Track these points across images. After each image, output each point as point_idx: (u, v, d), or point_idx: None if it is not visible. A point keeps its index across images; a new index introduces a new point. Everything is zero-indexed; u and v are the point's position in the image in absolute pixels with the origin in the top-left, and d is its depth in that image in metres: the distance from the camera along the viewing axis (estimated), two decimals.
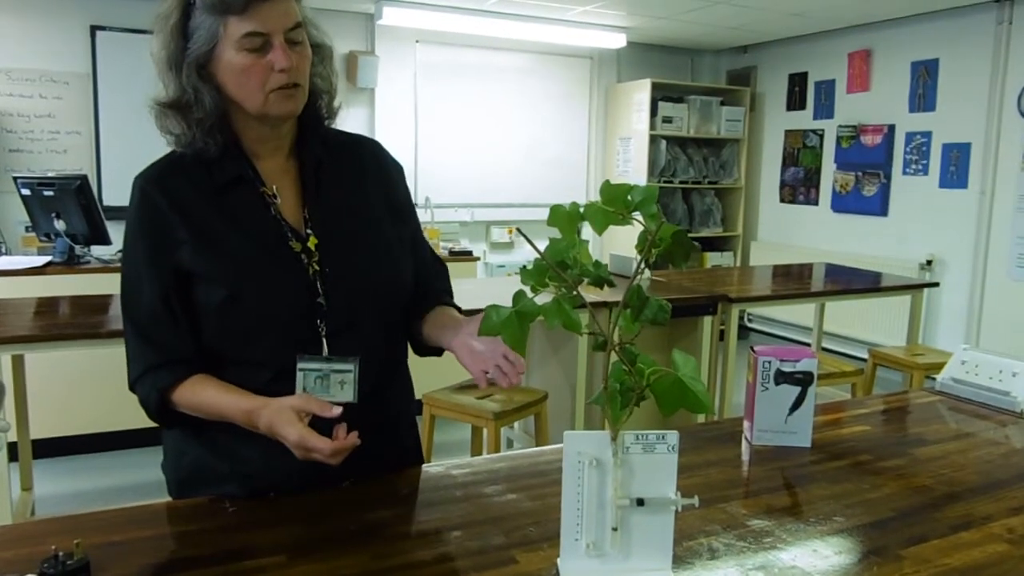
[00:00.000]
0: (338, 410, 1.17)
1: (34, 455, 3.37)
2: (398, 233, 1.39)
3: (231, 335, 1.25)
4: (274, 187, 1.30)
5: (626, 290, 0.97)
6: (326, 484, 1.26)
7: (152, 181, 1.26)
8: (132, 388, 1.28)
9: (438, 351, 1.42)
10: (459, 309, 1.45)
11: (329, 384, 1.24)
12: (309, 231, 1.29)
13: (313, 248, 1.28)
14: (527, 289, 0.97)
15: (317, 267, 1.27)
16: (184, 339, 1.25)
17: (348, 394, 1.25)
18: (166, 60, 1.22)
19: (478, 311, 1.05)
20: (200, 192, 1.26)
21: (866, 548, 1.13)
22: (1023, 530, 1.19)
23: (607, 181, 0.97)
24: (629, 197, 0.95)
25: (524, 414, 2.98)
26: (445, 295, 1.46)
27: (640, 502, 1.00)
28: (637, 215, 0.95)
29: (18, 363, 3.15)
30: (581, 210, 0.97)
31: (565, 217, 0.97)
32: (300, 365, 1.23)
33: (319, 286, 1.27)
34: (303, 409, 1.15)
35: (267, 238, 1.27)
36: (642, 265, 0.96)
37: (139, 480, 3.58)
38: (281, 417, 1.15)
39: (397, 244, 1.38)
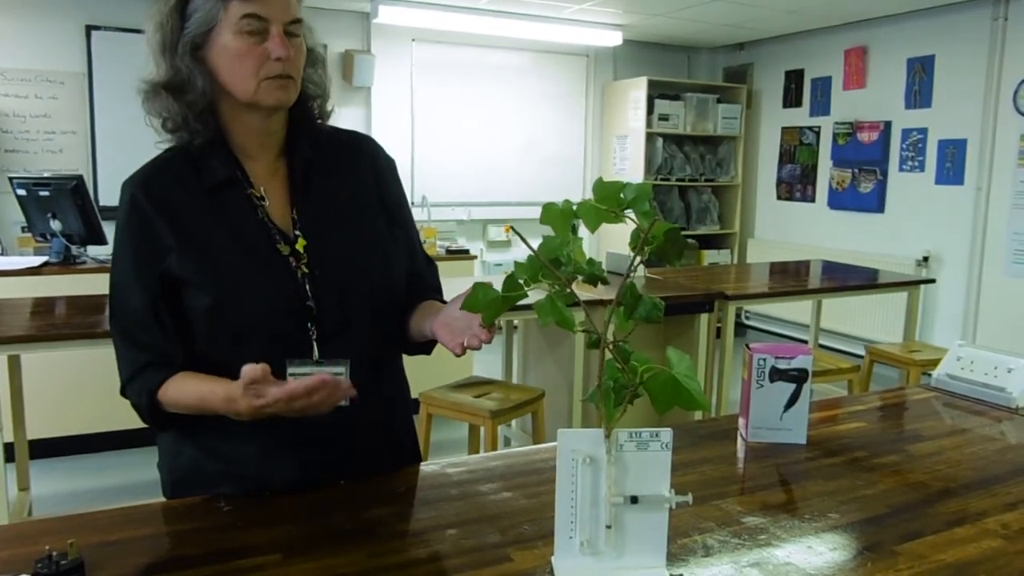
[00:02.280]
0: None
1: (31, 455, 3.36)
2: (391, 232, 1.38)
3: (220, 340, 1.24)
4: (262, 189, 1.30)
5: (619, 288, 0.97)
6: (321, 485, 1.26)
7: (140, 185, 1.25)
8: (123, 393, 1.27)
9: (426, 349, 1.41)
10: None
11: None
12: (297, 233, 1.29)
13: (302, 250, 1.28)
14: (520, 282, 0.97)
15: (306, 269, 1.27)
16: (173, 343, 1.25)
17: None
18: (160, 41, 1.22)
19: None
20: (189, 195, 1.26)
21: (861, 544, 1.13)
22: (1017, 525, 1.19)
23: (600, 179, 0.97)
24: (622, 195, 0.95)
25: (521, 412, 2.98)
26: (433, 292, 1.45)
27: (634, 500, 1.00)
28: (630, 213, 0.95)
29: (14, 363, 3.15)
30: (574, 208, 0.97)
31: (558, 215, 0.97)
32: (290, 370, 1.22)
33: (308, 289, 1.26)
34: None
35: (255, 241, 1.26)
36: (635, 263, 0.96)
37: (136, 480, 3.58)
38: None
39: (390, 244, 1.37)
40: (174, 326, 1.25)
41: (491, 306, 1.00)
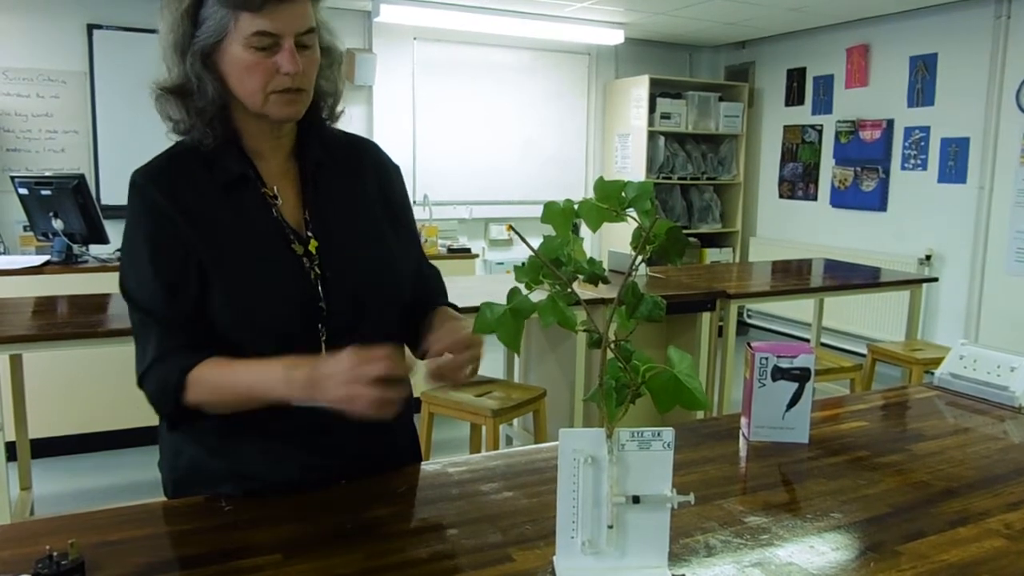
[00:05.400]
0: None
1: (32, 455, 3.37)
2: (396, 235, 1.38)
3: (231, 339, 1.23)
4: (275, 188, 1.29)
5: (621, 287, 0.97)
6: (322, 484, 1.25)
7: (152, 177, 1.24)
8: (143, 377, 1.22)
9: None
10: (456, 308, 1.44)
11: None
12: (310, 234, 1.28)
13: (314, 251, 1.27)
14: (522, 287, 0.97)
15: (318, 270, 1.26)
16: (201, 326, 1.21)
17: None
18: (172, 44, 1.20)
19: (474, 309, 1.05)
20: (200, 191, 1.24)
21: (863, 544, 1.12)
22: (1020, 525, 1.19)
23: (601, 178, 0.97)
24: (623, 194, 0.94)
25: (522, 411, 2.98)
26: (441, 297, 1.45)
27: (636, 499, 1.00)
28: (631, 211, 0.95)
29: (16, 362, 3.16)
30: (575, 207, 0.97)
31: (559, 214, 0.97)
32: None
33: (320, 290, 1.26)
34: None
35: (269, 240, 1.25)
36: (637, 262, 0.95)
37: (138, 479, 3.59)
38: (328, 358, 1.13)
39: (396, 246, 1.37)
40: (195, 311, 1.21)
41: (501, 323, 0.96)
